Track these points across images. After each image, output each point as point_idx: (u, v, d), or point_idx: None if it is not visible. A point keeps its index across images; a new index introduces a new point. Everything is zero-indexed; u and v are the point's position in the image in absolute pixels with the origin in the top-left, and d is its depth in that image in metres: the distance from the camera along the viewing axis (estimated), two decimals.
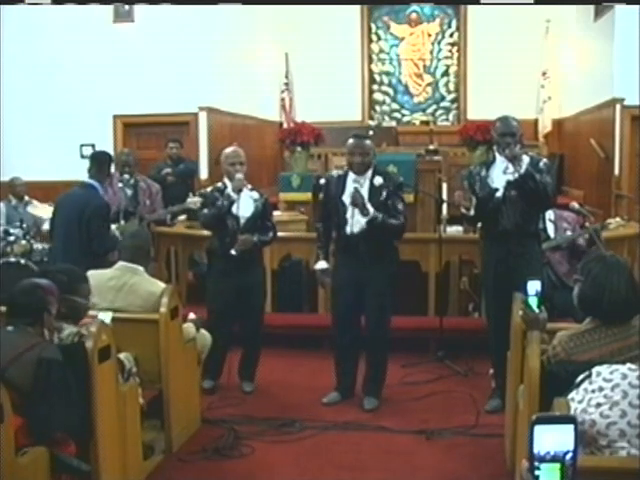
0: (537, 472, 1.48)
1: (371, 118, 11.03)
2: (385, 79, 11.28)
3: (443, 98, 11.19)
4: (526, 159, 4.13)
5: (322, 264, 4.50)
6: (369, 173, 4.30)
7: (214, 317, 4.64)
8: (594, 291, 2.65)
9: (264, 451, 3.79)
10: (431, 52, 11.14)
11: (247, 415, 4.24)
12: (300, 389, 4.75)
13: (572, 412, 2.13)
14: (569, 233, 5.33)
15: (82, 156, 8.18)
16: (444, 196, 6.24)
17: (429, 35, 11.11)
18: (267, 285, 5.51)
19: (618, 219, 6.06)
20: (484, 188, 4.19)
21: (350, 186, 4.27)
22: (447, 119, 11.16)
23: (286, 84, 10.73)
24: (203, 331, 4.22)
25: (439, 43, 11.10)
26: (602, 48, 8.33)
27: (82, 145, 8.38)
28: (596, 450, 2.11)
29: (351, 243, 4.31)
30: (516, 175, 4.04)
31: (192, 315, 4.19)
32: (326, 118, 9.24)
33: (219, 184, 4.75)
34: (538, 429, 1.47)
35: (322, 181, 4.91)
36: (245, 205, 4.62)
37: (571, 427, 1.48)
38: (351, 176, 4.31)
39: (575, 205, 5.68)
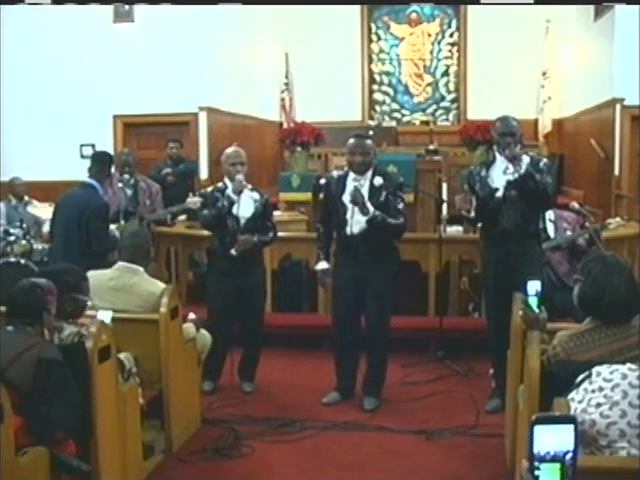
0: (537, 472, 1.48)
1: (371, 118, 11.03)
2: (385, 79, 11.28)
3: (443, 98, 11.19)
4: (526, 159, 4.13)
5: (323, 264, 4.50)
6: (369, 173, 4.30)
7: (214, 317, 4.64)
8: (594, 291, 2.65)
9: (264, 451, 3.79)
10: (431, 52, 11.14)
11: (247, 415, 4.24)
12: (300, 389, 4.75)
13: (572, 412, 2.13)
14: (569, 233, 5.33)
15: (82, 156, 8.18)
16: (444, 196, 6.24)
17: (429, 35, 11.11)
18: (267, 285, 5.51)
19: (618, 219, 6.06)
20: (484, 188, 4.19)
21: (350, 186, 4.27)
22: (447, 119, 11.16)
23: (286, 84, 10.73)
24: (203, 331, 4.22)
25: (439, 43, 11.10)
26: (602, 48, 8.33)
27: (82, 145, 8.38)
28: (596, 450, 2.11)
29: (351, 243, 4.31)
30: (516, 175, 4.04)
31: (192, 315, 4.19)
32: (326, 118, 9.23)
33: (219, 184, 4.75)
34: (538, 429, 1.47)
35: (322, 181, 4.92)
36: (245, 205, 4.62)
37: (571, 427, 1.48)
38: (351, 176, 4.31)
39: (575, 205, 5.68)
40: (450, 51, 11.07)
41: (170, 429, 3.78)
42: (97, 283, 3.73)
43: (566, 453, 1.47)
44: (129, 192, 5.92)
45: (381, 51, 11.22)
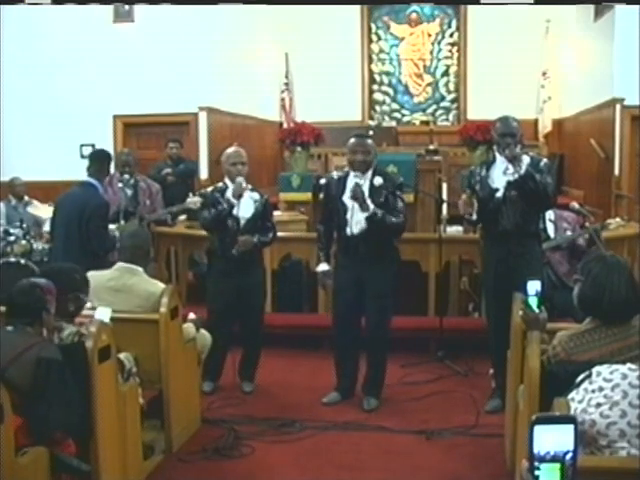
0: (537, 472, 1.48)
1: (371, 118, 11.03)
2: (385, 79, 11.28)
3: (443, 98, 11.19)
4: (526, 159, 4.12)
5: (323, 266, 4.50)
6: (369, 173, 4.30)
7: (214, 317, 4.64)
8: (594, 291, 2.65)
9: (264, 451, 3.79)
10: (431, 52, 11.14)
11: (247, 415, 4.24)
12: (300, 389, 4.74)
13: (572, 412, 2.13)
14: (569, 233, 5.33)
15: (82, 156, 8.18)
16: (444, 196, 6.24)
17: (429, 35, 11.11)
18: (267, 285, 5.51)
19: (618, 219, 6.06)
20: (484, 188, 4.19)
21: (351, 185, 4.27)
22: (447, 119, 11.16)
23: (286, 84, 10.73)
24: (203, 331, 4.22)
25: (439, 43, 11.10)
26: (602, 48, 8.33)
27: (82, 145, 8.38)
28: (596, 450, 2.11)
29: (351, 244, 4.31)
30: (516, 176, 4.04)
31: (192, 315, 4.19)
32: (326, 118, 9.23)
33: (220, 184, 4.75)
34: (538, 429, 1.47)
35: (322, 181, 4.92)
36: (245, 206, 4.62)
37: (571, 427, 1.48)
38: (352, 175, 4.31)
39: (575, 205, 5.68)
40: (450, 51, 11.07)
41: (170, 429, 3.78)
42: (96, 283, 3.73)
43: (566, 453, 1.47)
44: (129, 192, 5.91)
45: (381, 51, 11.23)
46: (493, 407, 4.24)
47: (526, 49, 10.14)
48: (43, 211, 6.87)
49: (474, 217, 4.22)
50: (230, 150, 4.78)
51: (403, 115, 11.29)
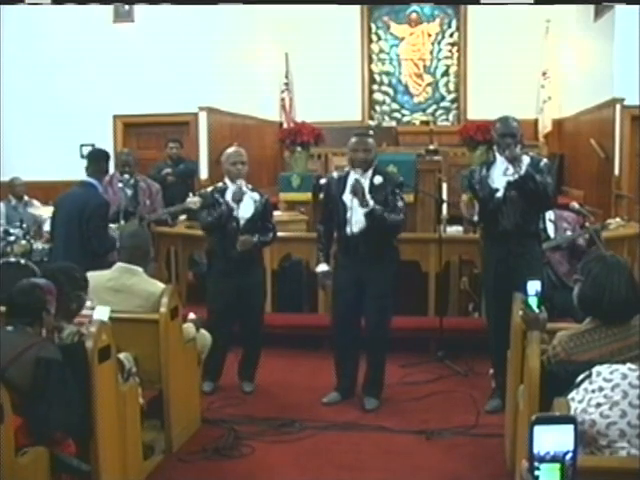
0: (537, 472, 1.48)
1: (371, 118, 11.03)
2: (385, 79, 11.28)
3: (443, 98, 11.19)
4: (526, 159, 4.12)
5: (323, 267, 4.50)
6: (369, 172, 4.31)
7: (214, 317, 4.64)
8: (594, 291, 2.65)
9: (264, 451, 3.79)
10: (431, 52, 11.14)
11: (247, 415, 4.24)
12: (300, 389, 4.74)
13: (572, 412, 2.13)
14: (569, 233, 5.33)
15: (82, 156, 8.16)
16: (444, 196, 6.24)
17: (429, 35, 11.11)
18: (267, 285, 5.51)
19: (618, 219, 6.06)
20: (484, 189, 4.19)
21: (351, 182, 4.28)
22: (447, 119, 11.16)
23: (286, 84, 10.73)
24: (203, 331, 4.22)
25: (439, 43, 11.10)
26: (602, 48, 8.33)
27: (82, 145, 8.38)
28: (596, 450, 2.11)
29: (351, 243, 4.31)
30: (516, 176, 4.04)
31: (192, 315, 4.19)
32: (326, 118, 9.23)
33: (219, 184, 4.75)
34: (538, 429, 1.47)
35: (322, 181, 4.92)
36: (245, 206, 4.62)
37: (571, 427, 1.48)
38: (352, 173, 4.31)
39: (575, 205, 5.68)
40: (450, 51, 11.07)
41: (170, 429, 3.78)
42: (96, 284, 3.73)
43: (566, 453, 1.47)
44: (129, 192, 5.91)
45: (381, 51, 11.23)
46: (493, 407, 4.24)
47: (526, 49, 10.14)
48: (43, 211, 6.88)
49: (475, 218, 4.23)
50: (230, 150, 4.79)
51: (403, 115, 11.29)
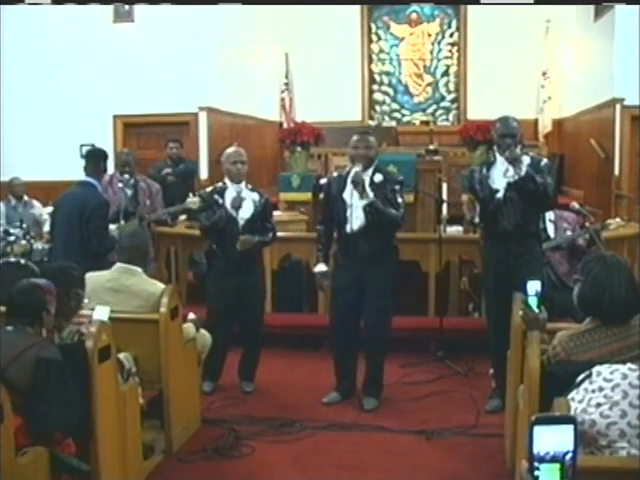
0: (537, 472, 1.48)
1: (371, 118, 11.03)
2: (385, 79, 11.28)
3: (443, 98, 11.19)
4: (526, 160, 4.12)
5: (321, 267, 4.51)
6: (370, 170, 4.31)
7: (214, 317, 4.64)
8: (594, 291, 2.65)
9: (264, 451, 3.79)
10: (431, 52, 11.14)
11: (247, 415, 4.24)
12: (300, 389, 4.74)
13: (572, 412, 2.13)
14: (569, 233, 5.33)
15: (82, 156, 8.16)
16: (444, 196, 6.24)
17: (429, 35, 11.11)
18: (267, 285, 5.52)
19: (618, 219, 6.06)
20: (485, 189, 4.19)
21: (352, 175, 4.29)
22: (447, 119, 11.16)
23: (286, 84, 10.73)
24: (203, 331, 4.22)
25: (439, 43, 11.10)
26: (602, 48, 8.33)
27: (82, 145, 8.37)
28: (596, 450, 2.11)
29: (351, 241, 4.31)
30: (516, 177, 4.04)
31: (192, 315, 4.19)
32: (326, 118, 9.23)
33: (219, 184, 4.76)
34: (538, 429, 1.47)
35: (323, 181, 4.92)
36: (245, 206, 4.62)
37: (571, 427, 1.48)
38: (353, 167, 4.30)
39: (575, 205, 5.68)
40: (450, 51, 11.07)
41: (170, 429, 3.78)
42: (95, 285, 3.73)
43: (566, 453, 1.47)
44: (129, 192, 5.91)
45: (381, 51, 11.23)
46: (493, 407, 4.24)
47: (526, 49, 10.14)
48: (43, 211, 6.88)
49: (477, 220, 4.24)
50: (230, 150, 4.79)
51: (403, 115, 11.29)
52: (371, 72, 11.23)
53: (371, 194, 4.21)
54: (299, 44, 10.56)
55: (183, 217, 6.43)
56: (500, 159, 4.16)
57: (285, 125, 10.11)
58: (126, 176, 5.95)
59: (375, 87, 11.29)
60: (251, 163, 4.99)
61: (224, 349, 4.68)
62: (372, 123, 10.31)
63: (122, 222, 5.59)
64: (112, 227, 5.10)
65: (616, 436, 2.08)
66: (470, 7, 10.63)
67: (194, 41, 8.23)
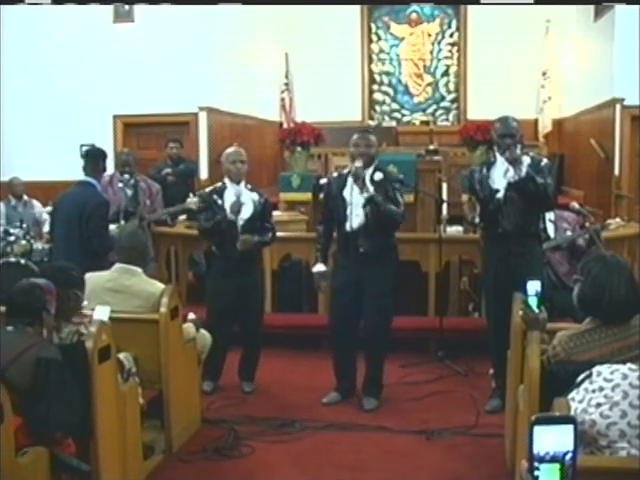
0: (537, 472, 1.48)
1: (371, 118, 11.03)
2: (385, 79, 11.28)
3: (443, 98, 11.19)
4: (527, 160, 4.12)
5: (320, 267, 4.51)
6: (370, 169, 4.31)
7: (213, 317, 4.64)
8: (594, 291, 2.64)
9: (264, 451, 3.79)
10: (431, 52, 11.14)
11: (247, 415, 4.24)
12: (300, 389, 4.75)
13: (572, 412, 2.13)
14: (569, 233, 5.33)
15: (81, 156, 8.18)
16: (444, 196, 6.24)
17: (429, 35, 11.11)
18: (267, 285, 5.51)
19: (618, 220, 6.06)
20: (485, 189, 4.19)
21: (351, 182, 4.29)
22: (447, 119, 11.16)
23: (286, 84, 10.73)
24: (203, 331, 4.22)
25: (439, 43, 11.10)
26: (602, 48, 8.33)
27: (82, 145, 8.33)
28: (596, 450, 2.11)
29: (351, 240, 4.31)
30: (516, 178, 4.04)
31: (192, 315, 4.19)
32: (326, 118, 9.23)
33: (218, 184, 4.76)
34: (538, 429, 1.47)
35: (323, 181, 4.92)
36: (245, 206, 4.62)
37: (571, 427, 1.48)
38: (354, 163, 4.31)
39: (575, 205, 5.68)
40: (450, 51, 11.07)
41: (170, 429, 3.78)
42: (95, 285, 3.73)
43: (566, 453, 1.47)
44: (129, 192, 5.91)
45: (381, 51, 11.23)
46: (493, 407, 4.24)
47: (526, 49, 10.14)
48: (43, 211, 6.89)
49: (477, 220, 4.24)
50: (230, 149, 4.81)
51: (403, 115, 11.29)
52: (371, 72, 11.23)
53: (371, 188, 4.22)
54: (299, 44, 10.56)
55: (183, 217, 6.44)
56: (500, 159, 4.16)
57: (285, 125, 10.11)
58: (126, 176, 5.95)
59: (375, 87, 11.29)
60: (251, 163, 4.99)
61: (224, 349, 4.68)
62: (372, 123, 10.30)
63: (122, 222, 5.59)
64: (112, 227, 5.10)
65: (616, 436, 2.08)
66: (470, 7, 10.63)
67: (194, 41, 8.23)
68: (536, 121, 10.30)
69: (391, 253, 4.41)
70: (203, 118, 8.42)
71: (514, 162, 4.02)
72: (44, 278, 3.08)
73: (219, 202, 4.63)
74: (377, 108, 11.28)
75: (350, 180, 4.31)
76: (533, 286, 3.19)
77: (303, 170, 7.05)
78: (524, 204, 4.10)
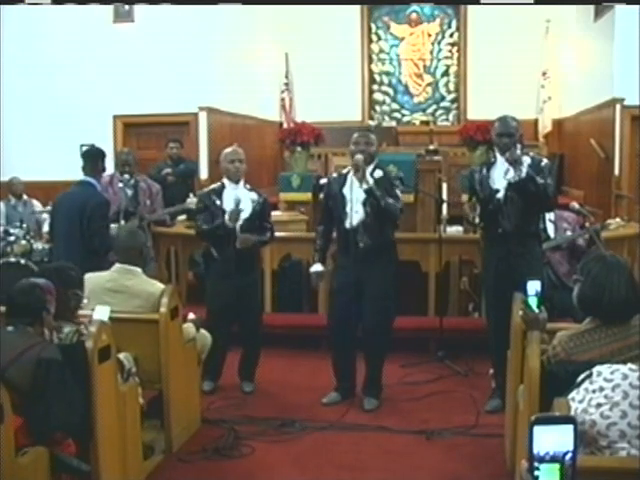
0: (536, 472, 1.48)
1: (371, 118, 11.03)
2: (385, 79, 11.28)
3: (443, 98, 11.19)
4: (527, 160, 4.12)
5: (317, 267, 4.52)
6: (370, 167, 4.32)
7: (213, 317, 4.64)
8: (594, 291, 2.64)
9: (264, 451, 3.79)
10: (431, 52, 11.13)
11: (247, 415, 4.24)
12: (300, 389, 4.75)
13: (572, 412, 2.13)
14: (569, 233, 5.33)
15: (80, 156, 8.17)
16: (444, 196, 6.24)
17: (429, 35, 11.11)
18: (266, 285, 5.51)
19: (618, 220, 6.06)
20: (485, 189, 4.20)
21: (350, 181, 4.28)
22: (447, 119, 11.16)
23: (286, 84, 10.73)
24: (203, 331, 4.22)
25: (439, 43, 11.10)
26: (602, 48, 8.33)
27: (82, 145, 8.29)
28: (596, 450, 2.11)
29: (350, 237, 4.30)
30: (517, 178, 4.04)
31: (192, 315, 4.20)
32: (326, 118, 9.23)
33: (217, 185, 4.76)
34: (537, 429, 1.47)
35: (323, 181, 4.92)
36: (243, 206, 4.62)
37: (570, 427, 1.48)
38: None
39: (575, 205, 5.68)
40: (450, 51, 11.07)
41: (170, 429, 3.78)
42: (94, 285, 3.73)
43: (566, 453, 1.47)
44: (129, 192, 5.90)
45: (381, 51, 11.22)
46: (493, 407, 4.25)
47: (526, 49, 10.14)
48: (43, 210, 6.89)
49: (477, 220, 4.24)
50: (228, 149, 4.81)
51: (403, 115, 11.29)
52: (371, 72, 11.23)
53: (371, 180, 4.22)
54: (299, 44, 10.56)
55: (183, 217, 6.44)
56: (500, 159, 4.16)
57: (285, 125, 10.10)
58: (126, 176, 5.94)
59: (375, 87, 11.28)
60: (251, 163, 5.00)
61: (224, 349, 4.68)
62: (372, 123, 10.28)
63: (122, 222, 5.59)
64: (112, 227, 5.10)
65: (616, 437, 2.08)
66: (470, 7, 10.62)
67: (194, 41, 8.23)
68: (536, 121, 10.30)
69: (390, 253, 4.41)
70: (203, 118, 8.42)
71: (514, 162, 4.01)
72: (44, 278, 3.08)
73: (217, 202, 4.63)
74: (377, 108, 11.28)
75: (350, 178, 4.32)
76: (533, 286, 3.19)
77: (303, 170, 7.05)
78: (524, 204, 4.10)
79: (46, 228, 6.22)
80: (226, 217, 4.56)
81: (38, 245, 6.47)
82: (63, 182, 6.72)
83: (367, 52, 11.15)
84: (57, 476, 2.80)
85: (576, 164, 9.38)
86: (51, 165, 8.22)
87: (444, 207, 5.89)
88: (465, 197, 4.51)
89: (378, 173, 4.32)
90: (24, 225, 6.65)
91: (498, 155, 4.20)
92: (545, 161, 4.28)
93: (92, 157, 5.01)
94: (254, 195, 4.71)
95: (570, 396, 2.21)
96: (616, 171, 7.73)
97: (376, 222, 4.27)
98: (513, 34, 10.13)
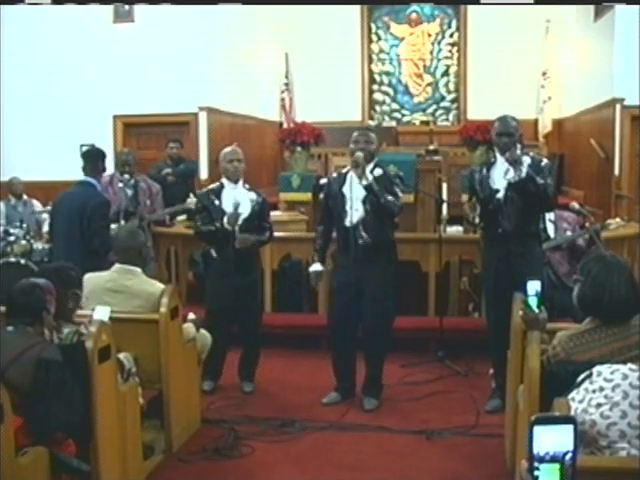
0: (536, 472, 1.48)
1: (371, 118, 11.04)
2: (385, 79, 11.28)
3: (443, 98, 11.19)
4: (527, 160, 4.12)
5: (316, 266, 4.51)
6: (370, 166, 4.32)
7: (212, 317, 4.64)
8: (594, 291, 2.64)
9: (264, 451, 3.79)
10: (431, 52, 11.14)
11: (247, 415, 4.24)
12: (300, 389, 4.75)
13: (572, 412, 2.13)
14: (569, 233, 5.33)
15: (81, 156, 8.17)
16: (444, 196, 6.24)
17: (429, 35, 11.11)
18: (266, 285, 5.51)
19: (618, 220, 6.06)
20: (485, 189, 4.20)
21: (350, 179, 4.28)
22: (447, 119, 11.16)
23: (286, 84, 10.73)
24: (203, 331, 4.22)
25: (439, 43, 11.10)
26: (602, 48, 8.33)
27: (82, 145, 8.30)
28: (596, 450, 2.11)
29: (350, 235, 4.30)
30: (517, 178, 4.04)
31: (192, 315, 4.19)
32: (326, 118, 9.23)
33: (215, 185, 4.77)
34: (537, 429, 1.47)
35: (323, 181, 4.92)
36: (242, 206, 4.62)
37: (570, 427, 1.48)
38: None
39: (575, 205, 5.68)
40: (450, 51, 11.07)
41: (170, 429, 3.78)
42: (94, 285, 3.73)
43: (565, 453, 1.47)
44: (129, 192, 5.90)
45: (381, 51, 11.23)
46: (493, 407, 4.24)
47: (526, 49, 10.14)
48: (43, 210, 6.88)
49: (477, 220, 4.24)
50: (227, 149, 4.81)
51: (403, 115, 11.29)
52: (371, 72, 11.23)
53: (370, 176, 4.22)
54: (299, 44, 10.57)
55: (183, 217, 6.44)
56: (500, 159, 4.16)
57: (285, 125, 10.11)
58: (126, 176, 5.95)
59: (375, 87, 11.29)
60: (251, 163, 5.00)
61: (224, 349, 4.68)
62: (372, 123, 10.30)
63: (122, 222, 5.59)
64: (112, 227, 5.10)
65: (616, 437, 2.08)
66: (470, 7, 10.63)
67: (194, 41, 8.23)
68: (536, 121, 10.31)
69: (390, 253, 4.41)
70: (203, 118, 8.43)
71: (514, 162, 4.01)
72: (44, 278, 3.08)
73: (216, 202, 4.63)
74: (377, 108, 11.28)
75: (350, 177, 4.32)
76: (533, 286, 3.19)
77: (303, 170, 7.05)
78: (524, 204, 4.10)
79: (46, 228, 6.22)
80: (225, 220, 4.56)
81: (38, 245, 6.46)
82: (63, 182, 6.72)
83: (367, 52, 11.15)
84: (57, 476, 2.80)
85: (576, 164, 9.38)
86: (51, 165, 8.23)
87: (444, 207, 5.89)
88: (465, 197, 4.51)
89: (378, 172, 4.32)
90: (24, 225, 6.65)
91: (498, 155, 4.20)
92: (545, 161, 4.28)
93: (92, 157, 5.01)
94: (253, 195, 4.72)
95: (570, 396, 2.21)
96: (616, 171, 7.73)
97: (376, 220, 4.27)
98: (513, 34, 10.14)
